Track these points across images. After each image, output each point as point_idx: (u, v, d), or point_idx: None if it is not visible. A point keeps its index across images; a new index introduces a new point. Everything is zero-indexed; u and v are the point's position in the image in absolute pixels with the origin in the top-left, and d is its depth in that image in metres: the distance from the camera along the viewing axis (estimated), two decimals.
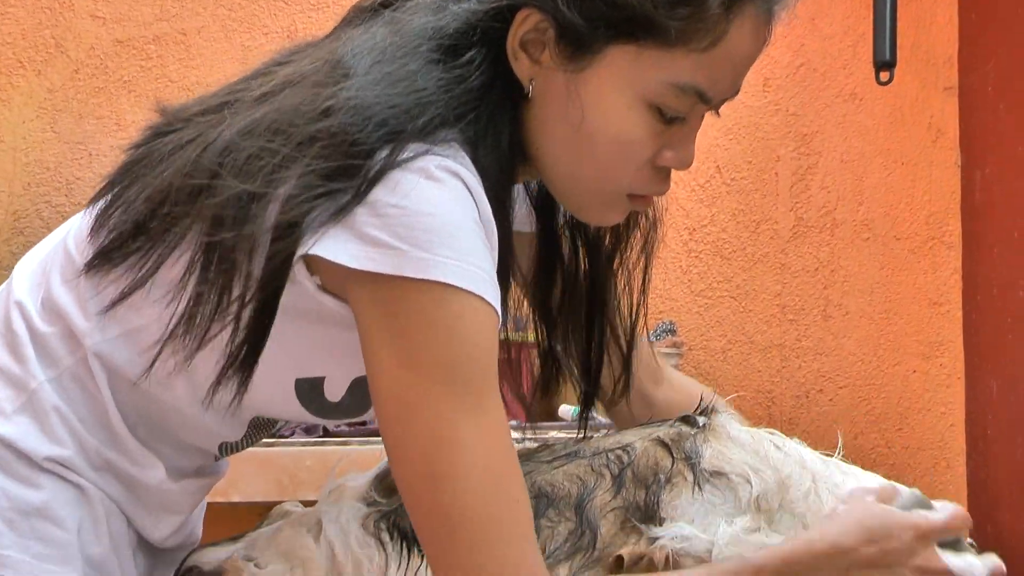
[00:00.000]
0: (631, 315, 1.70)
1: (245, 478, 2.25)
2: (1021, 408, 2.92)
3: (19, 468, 1.47)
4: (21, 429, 1.47)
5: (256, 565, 1.56)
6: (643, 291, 1.69)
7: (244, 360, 1.43)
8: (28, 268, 1.56)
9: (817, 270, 3.15)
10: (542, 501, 1.55)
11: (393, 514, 1.56)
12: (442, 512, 1.36)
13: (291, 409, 1.51)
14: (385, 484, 1.60)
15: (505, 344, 1.63)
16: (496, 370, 1.39)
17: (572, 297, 1.68)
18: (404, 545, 1.55)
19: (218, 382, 1.44)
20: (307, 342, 1.46)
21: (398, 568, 1.54)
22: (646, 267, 1.67)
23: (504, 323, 1.48)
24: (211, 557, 1.56)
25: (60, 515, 1.47)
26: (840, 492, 1.58)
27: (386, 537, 1.56)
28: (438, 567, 1.39)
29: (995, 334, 3.04)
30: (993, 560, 1.56)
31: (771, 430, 1.63)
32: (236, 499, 2.19)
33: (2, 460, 1.47)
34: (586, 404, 1.70)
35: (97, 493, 1.49)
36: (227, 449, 1.59)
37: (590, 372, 1.69)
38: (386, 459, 1.60)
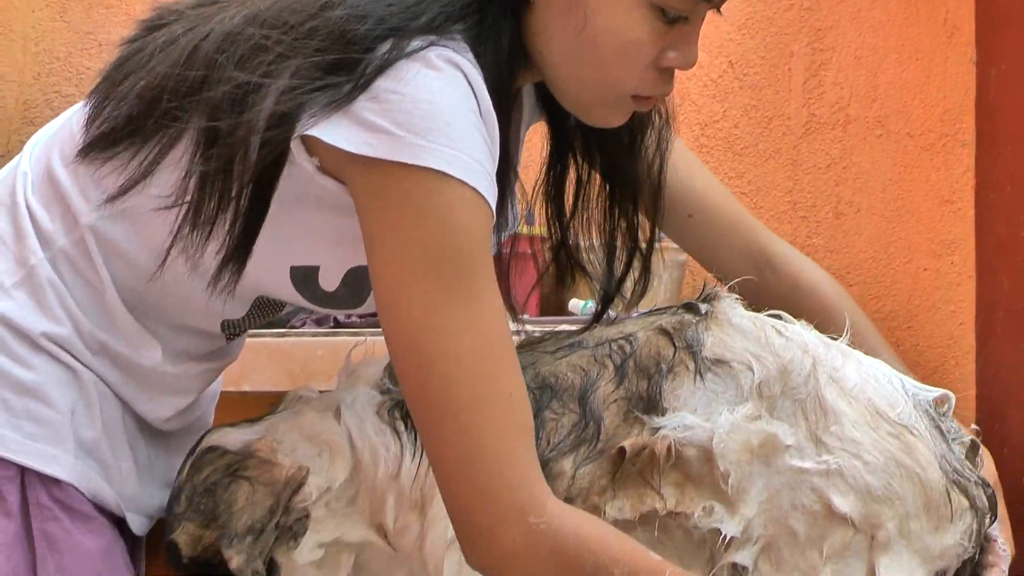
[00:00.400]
0: (649, 213, 1.71)
1: (256, 368, 2.25)
2: None
3: (14, 346, 1.50)
4: (18, 304, 1.51)
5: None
6: (659, 187, 1.69)
7: (239, 249, 1.46)
8: (37, 143, 1.59)
9: (829, 167, 3.13)
10: (546, 392, 1.60)
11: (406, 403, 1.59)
12: (432, 399, 1.40)
13: (289, 295, 1.53)
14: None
15: (519, 238, 1.65)
16: (490, 262, 1.42)
17: (587, 192, 1.70)
18: (417, 436, 1.57)
19: (218, 271, 1.48)
20: (303, 230, 1.48)
21: (412, 458, 1.57)
22: (661, 166, 1.68)
23: (504, 218, 1.51)
24: (234, 437, 1.58)
25: (52, 396, 1.50)
26: (839, 375, 1.60)
27: (401, 426, 1.59)
28: (431, 456, 1.44)
29: (1007, 232, 3.03)
30: None
31: (777, 313, 1.65)
32: (246, 388, 2.19)
33: None
34: (605, 304, 1.71)
35: (91, 377, 1.52)
36: (230, 327, 1.61)
37: (612, 271, 1.70)
38: None
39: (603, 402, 1.59)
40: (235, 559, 1.50)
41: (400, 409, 1.60)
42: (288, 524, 1.54)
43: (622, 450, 1.58)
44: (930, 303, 3.14)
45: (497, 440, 1.40)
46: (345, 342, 2.37)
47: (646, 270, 1.72)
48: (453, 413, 1.40)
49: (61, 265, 1.52)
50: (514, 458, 1.41)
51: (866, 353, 1.68)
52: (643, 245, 1.72)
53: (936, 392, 1.65)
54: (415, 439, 1.58)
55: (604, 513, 1.57)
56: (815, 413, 1.58)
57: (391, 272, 1.40)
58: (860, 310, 1.82)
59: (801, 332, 1.64)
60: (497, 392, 1.40)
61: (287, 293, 1.54)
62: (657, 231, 1.72)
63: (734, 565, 1.60)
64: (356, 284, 1.54)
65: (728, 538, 1.57)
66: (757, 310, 1.67)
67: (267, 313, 1.64)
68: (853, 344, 1.67)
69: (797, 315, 1.68)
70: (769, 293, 1.78)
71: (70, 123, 1.57)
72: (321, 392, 1.69)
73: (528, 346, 1.69)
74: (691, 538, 1.60)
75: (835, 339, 1.66)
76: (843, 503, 1.56)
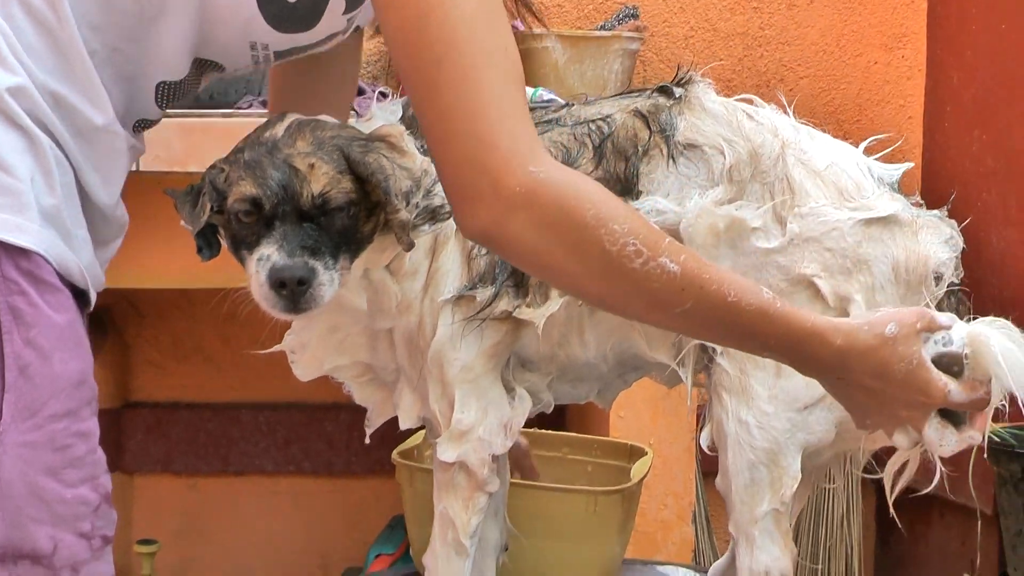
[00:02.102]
0: None
1: (203, 149, 2.17)
2: (980, 99, 2.96)
3: None
4: None
5: None
6: None
7: None
8: None
9: None
10: None
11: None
12: (429, 50, 1.38)
13: (250, 18, 1.53)
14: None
15: None
16: None
17: None
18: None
19: None
20: None
21: None
22: None
23: None
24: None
25: (11, 162, 1.44)
26: (807, 158, 1.64)
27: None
28: (427, 117, 1.41)
29: (959, 25, 3.04)
30: (971, 437, 1.48)
31: (748, 97, 1.67)
32: (193, 169, 2.16)
33: None
34: None
35: (47, 142, 1.47)
36: (165, 93, 1.59)
37: None
38: None
39: None
40: (402, 213, 1.51)
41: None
42: (431, 207, 1.56)
43: None
44: (880, 96, 3.17)
45: (497, 90, 1.37)
46: None
47: None
48: (452, 60, 1.37)
49: (11, 6, 1.45)
50: (514, 108, 1.38)
51: None
52: None
53: (902, 168, 1.69)
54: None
55: None
56: (783, 194, 1.62)
57: None
58: None
59: (771, 116, 1.66)
60: (495, 41, 1.38)
61: (247, 16, 1.52)
62: None
63: (704, 347, 1.65)
64: None
65: None
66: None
67: (199, 79, 1.60)
68: None
69: None
70: None
71: None
72: None
73: None
74: None
75: (805, 123, 1.69)
76: (811, 271, 1.60)
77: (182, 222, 1.59)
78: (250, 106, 2.61)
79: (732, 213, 1.61)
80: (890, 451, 1.64)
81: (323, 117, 1.58)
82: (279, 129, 1.55)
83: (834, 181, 1.63)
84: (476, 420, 1.65)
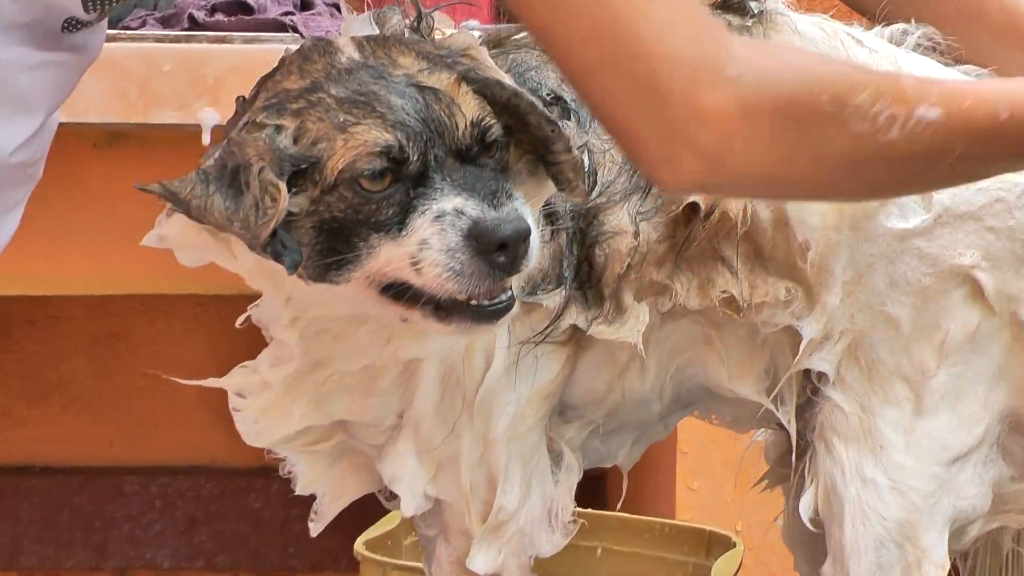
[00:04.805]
0: None
1: (76, 88, 1.98)
2: None
3: None
4: None
5: None
6: None
7: None
8: None
9: None
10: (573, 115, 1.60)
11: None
12: None
13: None
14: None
15: None
16: None
17: None
18: None
19: None
20: None
21: None
22: None
23: None
24: None
25: None
26: None
27: None
28: (580, 75, 1.38)
29: None
30: None
31: (848, 22, 1.65)
32: (64, 119, 1.91)
33: None
34: None
35: None
36: None
37: None
38: None
39: None
40: (575, 152, 1.47)
41: None
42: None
43: (693, 206, 1.55)
44: None
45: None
46: (204, 52, 2.31)
47: None
48: None
49: None
50: (676, 6, 1.33)
51: None
52: None
53: None
54: None
55: (675, 294, 1.57)
56: None
57: None
58: None
59: (883, 44, 1.59)
60: None
61: None
62: None
63: (807, 373, 1.58)
64: None
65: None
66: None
67: None
68: None
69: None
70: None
71: None
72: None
73: (506, 42, 1.61)
74: (753, 339, 1.60)
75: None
76: (968, 261, 1.57)
77: (161, 229, 1.47)
78: (143, 24, 2.47)
79: None
80: None
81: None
82: (349, 51, 1.47)
83: None
84: (519, 503, 1.58)
